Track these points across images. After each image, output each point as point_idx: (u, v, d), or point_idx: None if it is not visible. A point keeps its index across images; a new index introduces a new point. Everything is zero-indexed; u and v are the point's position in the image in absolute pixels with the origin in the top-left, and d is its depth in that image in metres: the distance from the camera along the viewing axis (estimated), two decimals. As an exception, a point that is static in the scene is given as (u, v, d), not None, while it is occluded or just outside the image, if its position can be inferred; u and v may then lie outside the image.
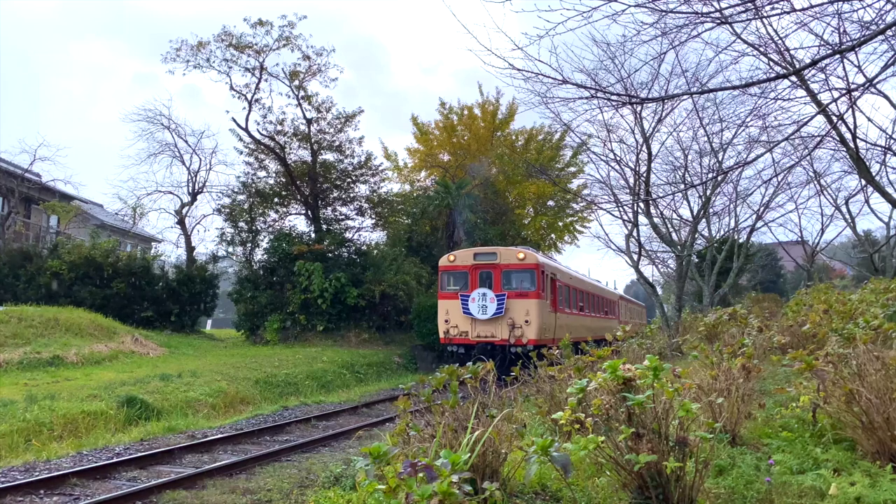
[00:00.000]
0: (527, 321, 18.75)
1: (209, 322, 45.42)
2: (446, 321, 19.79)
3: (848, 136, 13.69)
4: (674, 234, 29.72)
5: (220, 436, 11.36)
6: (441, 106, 39.13)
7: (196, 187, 33.52)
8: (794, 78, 9.41)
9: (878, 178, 17.93)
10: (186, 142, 32.83)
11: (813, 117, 10.34)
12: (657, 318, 32.63)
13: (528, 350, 16.84)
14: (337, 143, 31.59)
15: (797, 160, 20.99)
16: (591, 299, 28.26)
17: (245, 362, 19.73)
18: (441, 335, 20.03)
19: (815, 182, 27.61)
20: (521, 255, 19.49)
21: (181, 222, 33.46)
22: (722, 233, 33.26)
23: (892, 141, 16.60)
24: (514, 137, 39.04)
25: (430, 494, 3.09)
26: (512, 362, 16.14)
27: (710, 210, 28.99)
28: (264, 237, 31.73)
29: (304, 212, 32.61)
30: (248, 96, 29.87)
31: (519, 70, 7.21)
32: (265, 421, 13.51)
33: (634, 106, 19.37)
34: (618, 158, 25.52)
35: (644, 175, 23.63)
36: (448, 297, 20.17)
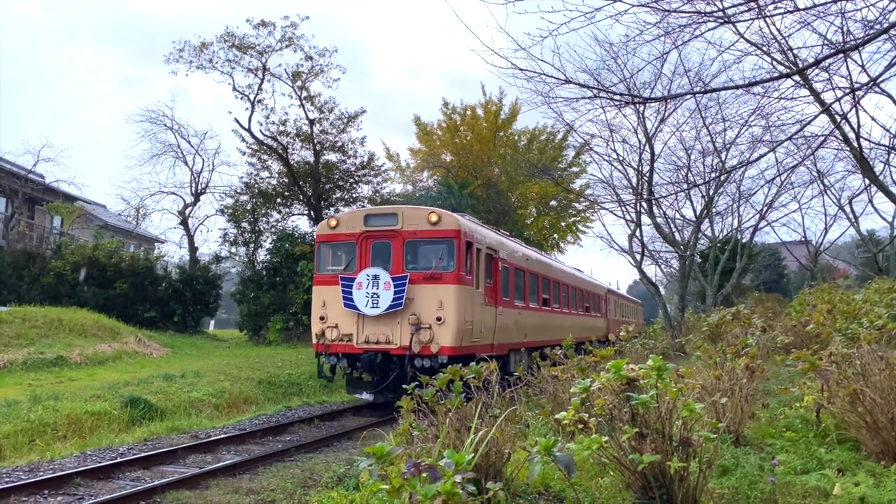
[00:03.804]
0: (439, 319, 12.58)
1: (212, 322, 45.48)
2: (322, 318, 13.47)
3: (851, 135, 13.67)
4: (677, 234, 29.71)
5: (223, 436, 11.36)
6: (444, 106, 39.16)
7: (199, 188, 33.62)
8: (797, 77, 9.40)
9: (881, 177, 17.89)
10: (189, 142, 32.97)
11: (816, 116, 10.35)
12: (660, 319, 32.64)
13: (443, 363, 12.05)
14: (339, 143, 31.65)
15: (800, 160, 20.96)
16: (563, 291, 21.97)
17: (248, 362, 19.75)
18: (314, 340, 13.71)
19: (819, 182, 27.58)
20: (433, 218, 13.16)
21: (184, 223, 33.54)
22: (725, 233, 33.27)
23: (895, 140, 16.56)
24: (516, 137, 39.06)
25: (434, 494, 3.09)
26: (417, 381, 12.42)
27: (713, 210, 28.99)
28: (267, 237, 31.79)
29: (306, 212, 32.65)
30: (251, 97, 29.96)
31: (522, 70, 7.23)
32: (268, 421, 13.52)
33: (637, 106, 19.36)
34: (620, 158, 25.57)
35: (647, 175, 23.63)
36: (326, 281, 13.70)
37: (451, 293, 12.82)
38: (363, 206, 32.68)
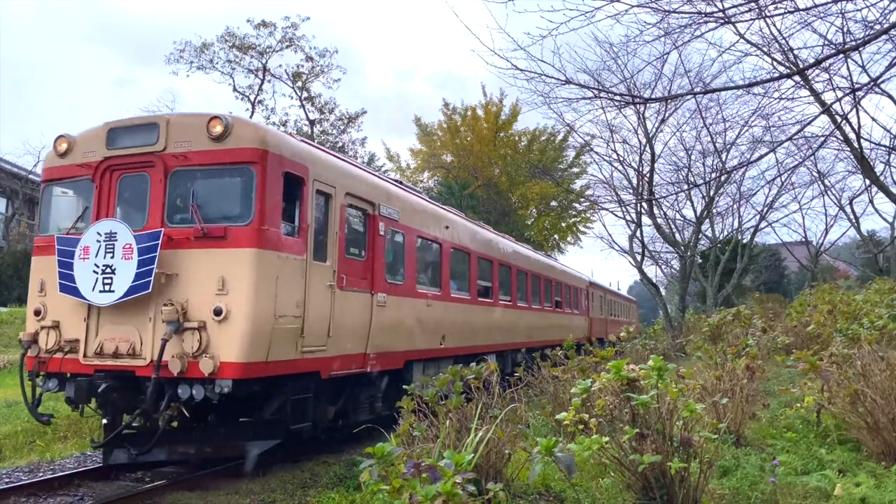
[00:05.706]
0: (219, 312, 6.86)
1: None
2: (37, 313, 7.85)
3: (852, 135, 13.70)
4: (677, 235, 29.74)
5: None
6: (444, 107, 39.20)
7: (199, 188, 33.61)
8: (797, 78, 9.41)
9: (882, 177, 17.91)
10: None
11: (816, 117, 10.38)
12: (660, 319, 32.63)
13: (224, 393, 6.79)
14: (340, 144, 31.68)
15: (801, 160, 20.98)
16: (518, 279, 16.47)
17: (248, 363, 19.71)
18: (23, 349, 7.83)
19: (819, 182, 27.61)
20: (216, 129, 7.20)
21: (184, 223, 33.54)
22: (725, 233, 33.32)
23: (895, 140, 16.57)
24: (517, 138, 39.09)
25: (434, 495, 3.09)
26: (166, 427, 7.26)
27: (714, 210, 29.02)
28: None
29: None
30: (251, 97, 30.02)
31: (522, 70, 7.25)
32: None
33: (637, 106, 19.37)
34: (621, 159, 25.63)
35: (647, 175, 23.64)
36: (45, 249, 7.97)
37: (244, 264, 7.00)
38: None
